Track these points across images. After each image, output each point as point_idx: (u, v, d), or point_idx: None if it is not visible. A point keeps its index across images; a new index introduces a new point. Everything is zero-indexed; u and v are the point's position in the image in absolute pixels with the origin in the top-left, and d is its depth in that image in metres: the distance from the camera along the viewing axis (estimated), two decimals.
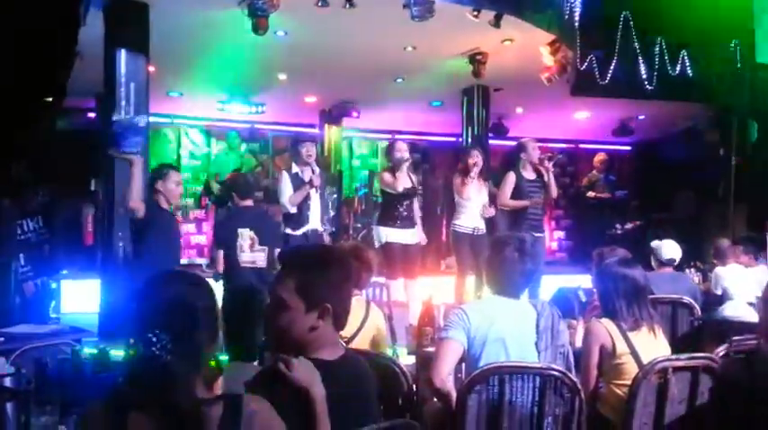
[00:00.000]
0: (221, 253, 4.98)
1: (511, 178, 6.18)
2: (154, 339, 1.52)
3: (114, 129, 5.68)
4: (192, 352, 1.57)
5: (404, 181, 5.91)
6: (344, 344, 2.04)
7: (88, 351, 2.43)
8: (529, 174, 6.22)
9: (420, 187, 6.19)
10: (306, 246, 2.84)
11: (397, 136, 10.04)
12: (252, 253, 4.95)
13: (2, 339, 3.48)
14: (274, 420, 1.61)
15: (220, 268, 4.92)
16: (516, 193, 6.16)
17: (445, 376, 2.66)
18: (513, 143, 6.98)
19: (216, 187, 8.85)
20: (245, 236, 4.91)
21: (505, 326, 2.69)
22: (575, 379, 2.58)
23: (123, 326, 1.63)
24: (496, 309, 2.75)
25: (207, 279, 1.76)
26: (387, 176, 5.96)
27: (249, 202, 5.32)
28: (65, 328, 4.04)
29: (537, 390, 2.55)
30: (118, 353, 2.44)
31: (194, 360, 1.58)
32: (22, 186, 7.67)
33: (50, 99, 9.36)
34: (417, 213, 6.15)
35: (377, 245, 6.03)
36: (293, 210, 5.79)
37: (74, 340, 3.28)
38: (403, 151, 5.89)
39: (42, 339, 3.33)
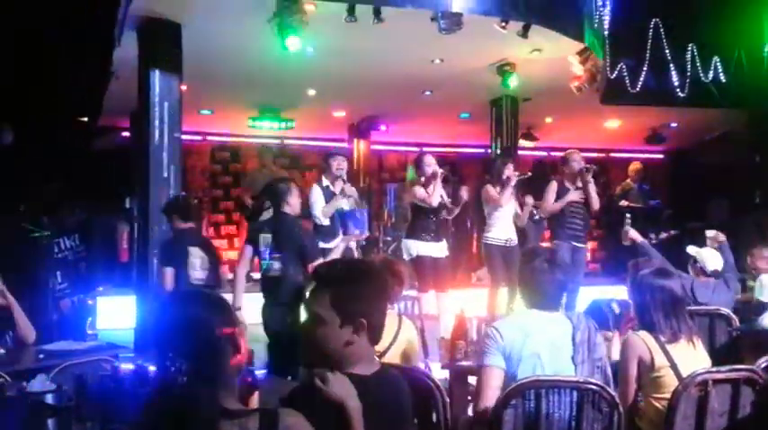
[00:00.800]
0: (169, 271, 4.90)
1: (553, 186, 6.25)
2: (168, 363, 1.54)
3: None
4: (212, 371, 1.58)
5: (436, 194, 5.91)
6: (377, 358, 2.03)
7: (126, 367, 2.46)
8: (570, 186, 6.27)
9: (450, 199, 6.17)
10: (340, 261, 2.85)
11: (425, 148, 10.05)
12: (202, 271, 4.93)
13: (42, 356, 3.56)
14: None
15: (169, 286, 4.85)
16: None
17: (492, 404, 2.62)
18: (543, 153, 6.97)
19: (249, 202, 8.93)
20: (196, 254, 4.90)
21: (541, 340, 2.65)
22: (613, 393, 2.53)
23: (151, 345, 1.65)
24: (531, 323, 2.72)
25: None
26: (419, 191, 5.97)
27: (191, 225, 5.12)
28: (102, 344, 4.10)
29: (574, 405, 2.51)
30: (154, 370, 2.48)
31: (216, 378, 1.58)
32: (57, 205, 7.86)
33: (86, 119, 9.60)
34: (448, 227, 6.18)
35: (406, 258, 6.03)
36: (326, 221, 5.87)
37: (111, 356, 3.33)
38: (432, 165, 5.90)
39: (81, 355, 3.39)
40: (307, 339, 1.89)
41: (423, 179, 6.01)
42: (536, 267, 2.77)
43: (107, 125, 9.54)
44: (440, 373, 3.42)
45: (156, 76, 6.02)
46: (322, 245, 5.97)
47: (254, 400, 2.39)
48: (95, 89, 8.04)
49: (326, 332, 1.85)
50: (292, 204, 4.65)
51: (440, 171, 5.91)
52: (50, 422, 2.00)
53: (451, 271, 6.76)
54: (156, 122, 6.03)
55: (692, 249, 5.01)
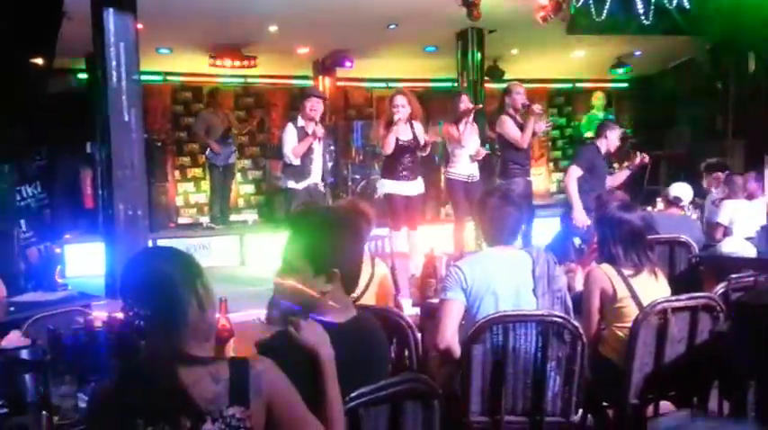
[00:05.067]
0: None
1: (508, 121, 6.12)
2: (132, 313, 1.56)
3: None
4: (176, 322, 1.58)
5: (404, 134, 5.87)
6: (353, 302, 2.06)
7: (99, 317, 2.47)
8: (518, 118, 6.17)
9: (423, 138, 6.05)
10: (312, 209, 2.85)
11: (391, 84, 9.94)
12: None
13: (12, 309, 3.53)
14: (281, 379, 1.65)
15: None
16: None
17: (449, 337, 2.70)
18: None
19: (215, 148, 8.82)
20: None
21: (501, 277, 2.73)
22: (576, 323, 2.63)
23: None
24: (492, 261, 2.79)
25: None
26: (381, 131, 5.94)
27: None
28: (74, 294, 4.08)
29: (540, 336, 2.61)
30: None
31: (180, 329, 1.58)
32: (19, 151, 7.65)
33: (40, 61, 9.25)
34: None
35: (377, 196, 6.06)
36: (296, 161, 5.84)
37: (83, 306, 3.33)
38: (401, 105, 5.82)
39: (53, 307, 3.37)
40: (280, 288, 1.91)
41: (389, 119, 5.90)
42: (491, 204, 2.84)
43: (63, 68, 9.21)
44: (411, 311, 3.49)
45: (111, 15, 5.78)
46: (292, 185, 5.96)
47: (230, 347, 2.44)
48: (48, 30, 7.72)
49: (299, 281, 1.87)
50: None
51: (402, 111, 5.82)
52: (27, 377, 2.01)
53: (422, 206, 6.79)
54: (113, 64, 5.83)
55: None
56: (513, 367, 2.62)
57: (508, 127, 6.07)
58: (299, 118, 6.02)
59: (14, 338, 2.32)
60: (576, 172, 5.61)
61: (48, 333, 2.32)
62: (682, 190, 5.09)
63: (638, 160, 5.94)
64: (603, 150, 5.75)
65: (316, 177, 5.99)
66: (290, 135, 5.90)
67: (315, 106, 5.93)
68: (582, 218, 5.37)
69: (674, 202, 5.04)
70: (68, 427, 1.98)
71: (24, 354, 2.09)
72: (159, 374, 1.55)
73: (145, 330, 1.56)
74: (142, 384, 1.55)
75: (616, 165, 7.25)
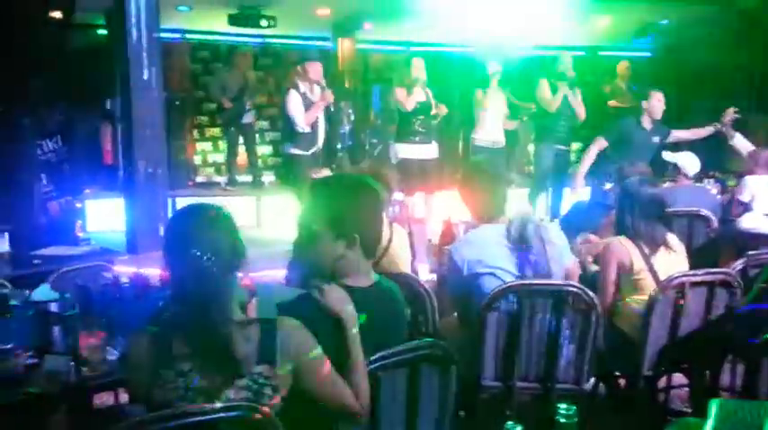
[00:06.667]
0: None
1: (544, 83, 6.14)
2: (199, 254, 1.62)
3: None
4: (229, 271, 1.67)
5: (418, 97, 5.85)
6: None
7: (125, 272, 2.53)
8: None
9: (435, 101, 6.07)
10: (334, 176, 2.89)
11: (413, 48, 9.83)
12: None
13: (37, 261, 3.61)
14: (308, 339, 1.71)
15: None
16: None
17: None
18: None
19: (228, 105, 8.80)
20: None
21: (496, 252, 2.70)
22: (591, 294, 2.65)
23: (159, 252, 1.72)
24: (484, 238, 2.76)
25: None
26: (399, 93, 5.92)
27: None
28: (97, 249, 4.16)
29: (555, 305, 2.63)
30: (155, 275, 2.55)
31: (231, 279, 1.67)
32: (39, 105, 7.68)
33: (59, 15, 9.22)
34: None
35: (393, 161, 6.06)
36: (308, 129, 5.78)
37: (107, 262, 3.40)
38: (419, 68, 5.81)
39: (77, 261, 3.45)
40: (301, 253, 1.95)
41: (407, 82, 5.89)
42: (477, 181, 2.86)
43: (83, 23, 9.18)
44: (427, 276, 3.53)
45: None
46: (298, 152, 5.92)
47: (252, 306, 2.49)
48: None
49: (320, 246, 1.90)
50: None
51: (421, 75, 5.81)
52: (56, 329, 2.07)
53: (439, 172, 6.79)
54: (133, 21, 5.83)
55: (668, 155, 5.02)
56: (528, 335, 2.66)
57: (542, 89, 6.12)
58: (300, 83, 5.91)
59: (44, 291, 2.38)
60: (599, 142, 5.57)
61: (76, 287, 2.37)
62: (693, 165, 4.95)
63: (727, 118, 5.72)
64: (645, 122, 5.58)
65: (320, 142, 5.97)
66: (297, 103, 5.75)
67: (318, 69, 5.82)
68: (578, 181, 5.38)
69: (683, 173, 4.93)
70: (97, 378, 2.05)
71: (54, 307, 2.15)
72: (200, 332, 1.63)
73: (213, 271, 1.63)
74: (185, 337, 1.62)
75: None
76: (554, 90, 6.13)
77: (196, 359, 1.60)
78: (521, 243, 2.68)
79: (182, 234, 1.69)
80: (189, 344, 1.61)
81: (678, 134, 5.73)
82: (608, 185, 4.79)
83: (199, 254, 1.62)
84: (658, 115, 5.58)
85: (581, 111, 6.27)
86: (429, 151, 6.04)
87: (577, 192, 5.52)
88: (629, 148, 5.44)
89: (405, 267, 3.26)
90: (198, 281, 1.62)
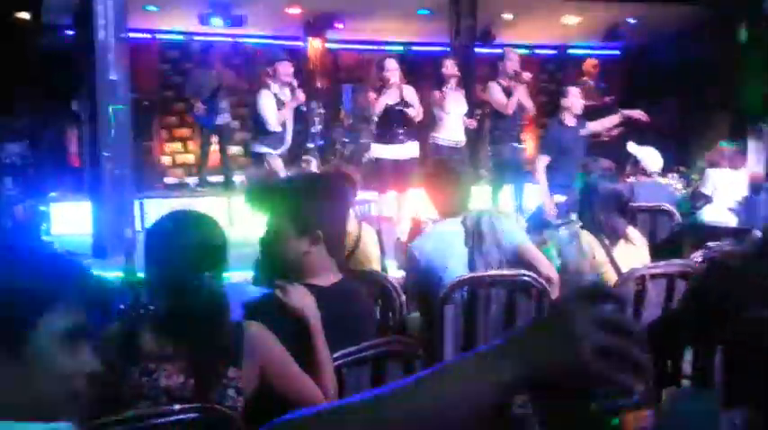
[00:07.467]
0: None
1: (492, 85, 6.15)
2: (181, 256, 1.65)
3: None
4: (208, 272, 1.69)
5: (389, 98, 5.85)
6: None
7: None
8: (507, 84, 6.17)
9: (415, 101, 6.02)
10: (297, 174, 2.92)
11: (383, 47, 9.84)
12: None
13: None
14: (273, 342, 1.71)
15: None
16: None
17: None
18: (500, 51, 6.89)
19: (198, 106, 8.72)
20: None
21: (456, 245, 2.77)
22: (542, 281, 2.70)
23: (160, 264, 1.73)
24: (443, 233, 2.84)
25: None
26: (371, 95, 5.93)
27: None
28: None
29: (508, 295, 2.70)
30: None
31: (209, 281, 1.69)
32: (2, 107, 7.57)
33: (27, 16, 9.06)
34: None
35: (365, 160, 6.07)
36: (279, 128, 5.80)
37: None
38: (390, 70, 5.80)
39: None
40: (265, 251, 1.95)
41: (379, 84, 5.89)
42: (441, 178, 2.92)
43: (50, 24, 9.04)
44: (396, 274, 3.54)
45: None
46: (267, 149, 5.91)
47: None
48: None
49: (284, 243, 1.91)
50: None
51: (391, 76, 5.81)
52: None
53: (414, 170, 6.78)
54: (101, 21, 5.76)
55: (632, 147, 5.02)
56: (484, 326, 2.70)
57: (494, 93, 6.09)
58: (271, 84, 5.90)
59: None
60: (542, 161, 5.37)
61: None
62: (656, 162, 4.92)
63: (636, 113, 5.82)
64: (568, 120, 5.55)
65: (288, 141, 5.97)
66: (269, 103, 5.79)
67: (288, 70, 5.84)
68: (548, 206, 5.18)
69: (642, 168, 4.90)
70: None
71: None
72: (172, 331, 1.64)
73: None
74: (156, 336, 1.63)
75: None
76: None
77: (163, 359, 1.59)
78: (475, 236, 2.73)
79: (165, 236, 1.70)
80: (158, 344, 1.61)
81: (591, 126, 5.76)
82: (558, 198, 4.83)
83: (181, 256, 1.63)
84: (579, 110, 5.61)
85: (530, 107, 6.30)
86: (406, 151, 6.00)
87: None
88: (566, 150, 5.37)
89: (374, 265, 3.28)
90: (177, 283, 1.62)
